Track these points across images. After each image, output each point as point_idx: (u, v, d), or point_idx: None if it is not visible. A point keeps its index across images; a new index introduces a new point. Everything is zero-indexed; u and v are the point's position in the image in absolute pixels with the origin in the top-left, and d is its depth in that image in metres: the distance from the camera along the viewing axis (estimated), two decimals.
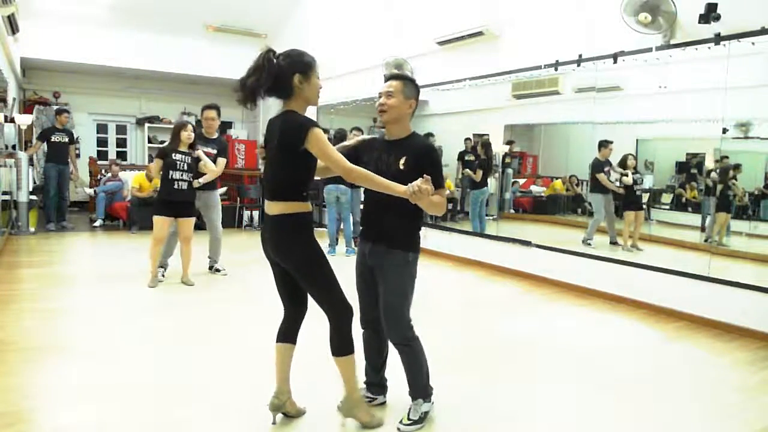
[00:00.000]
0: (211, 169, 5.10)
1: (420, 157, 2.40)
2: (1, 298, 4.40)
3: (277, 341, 2.49)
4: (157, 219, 4.94)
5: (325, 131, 2.44)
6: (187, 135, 4.93)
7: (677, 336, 4.23)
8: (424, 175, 2.20)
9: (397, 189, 2.23)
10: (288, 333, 2.48)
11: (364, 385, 2.74)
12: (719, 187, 5.38)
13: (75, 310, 4.29)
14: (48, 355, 3.28)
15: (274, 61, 2.26)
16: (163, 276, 5.18)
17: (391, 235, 2.46)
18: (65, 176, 8.17)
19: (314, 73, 2.32)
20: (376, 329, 2.60)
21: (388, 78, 2.52)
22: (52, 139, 7.89)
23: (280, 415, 2.52)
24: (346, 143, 2.67)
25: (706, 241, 5.49)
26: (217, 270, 5.64)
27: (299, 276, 2.36)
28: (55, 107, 10.53)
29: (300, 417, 2.56)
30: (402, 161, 2.40)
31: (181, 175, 4.90)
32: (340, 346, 2.36)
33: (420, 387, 2.56)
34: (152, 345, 3.55)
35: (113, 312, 4.23)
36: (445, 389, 2.87)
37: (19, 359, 3.18)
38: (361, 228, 2.67)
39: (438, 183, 2.35)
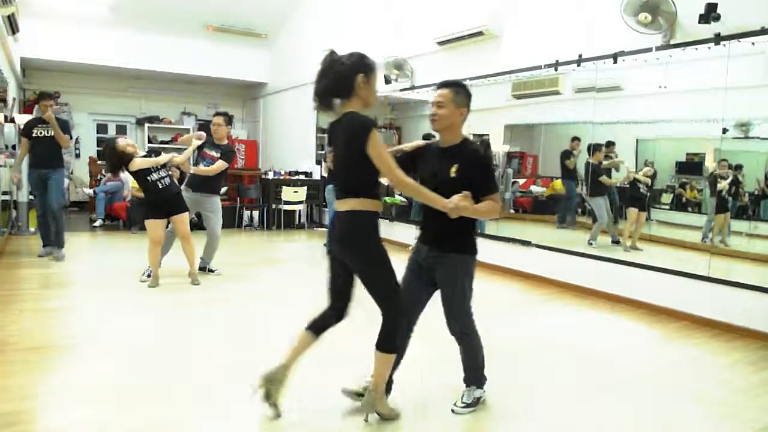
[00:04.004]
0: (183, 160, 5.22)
1: (471, 165, 2.48)
2: (1, 298, 4.39)
3: (306, 328, 2.52)
4: (150, 222, 4.94)
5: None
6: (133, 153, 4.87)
7: (677, 336, 4.23)
8: (463, 192, 2.32)
9: (440, 203, 2.37)
10: (318, 326, 2.52)
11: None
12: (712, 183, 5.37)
13: (75, 310, 4.29)
14: (48, 355, 3.28)
15: (337, 62, 2.35)
16: (148, 276, 5.09)
17: (447, 238, 2.55)
18: (55, 184, 5.88)
19: (374, 75, 2.41)
20: (406, 327, 2.64)
21: (439, 86, 2.57)
22: (33, 134, 5.83)
23: (265, 407, 2.48)
24: (403, 146, 2.73)
25: (703, 240, 5.50)
26: (211, 270, 5.63)
27: (360, 272, 2.41)
28: (54, 107, 10.55)
29: (276, 418, 2.50)
30: (454, 169, 2.46)
31: (159, 174, 4.90)
32: (384, 342, 2.43)
33: (474, 375, 2.73)
34: (152, 345, 3.55)
35: (113, 312, 4.23)
36: (445, 389, 2.87)
37: (19, 359, 3.18)
38: (418, 230, 2.74)
39: (489, 189, 2.46)
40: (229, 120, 5.63)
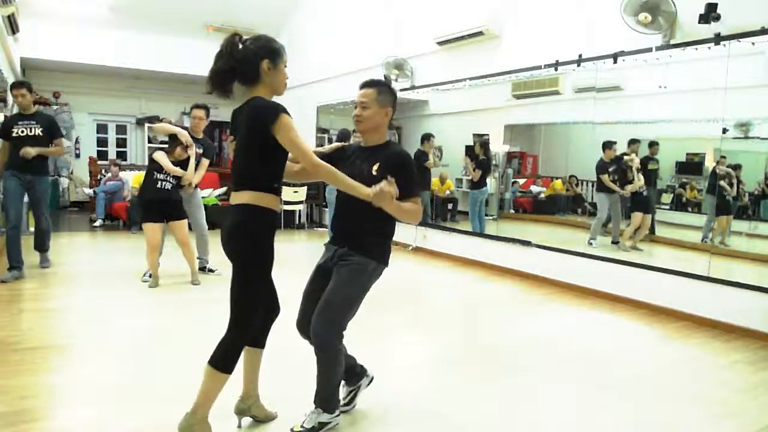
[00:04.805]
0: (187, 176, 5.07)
1: (393, 164, 2.32)
2: (1, 298, 4.40)
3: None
4: (147, 226, 4.92)
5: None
6: (179, 152, 4.93)
7: (677, 336, 4.23)
8: (388, 177, 2.17)
9: (362, 191, 2.17)
10: (255, 337, 2.35)
11: (345, 390, 2.62)
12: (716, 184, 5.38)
13: (75, 310, 4.28)
14: (48, 355, 3.28)
15: (240, 45, 2.21)
16: (149, 277, 5.08)
17: (356, 239, 2.37)
18: (44, 195, 5.25)
19: (282, 60, 2.24)
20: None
21: (362, 85, 2.43)
22: (14, 133, 5.03)
23: (247, 419, 2.46)
24: (321, 149, 2.58)
25: (703, 240, 5.50)
26: (210, 270, 5.61)
27: (236, 268, 2.19)
28: (54, 107, 10.55)
29: (269, 422, 2.49)
30: (375, 167, 2.32)
31: (166, 176, 4.90)
32: (221, 359, 2.18)
33: (325, 398, 2.40)
34: (152, 345, 3.55)
35: (113, 312, 4.23)
36: (445, 389, 2.87)
37: (19, 359, 3.18)
38: (330, 231, 2.57)
39: (411, 191, 2.31)
40: (208, 113, 5.47)
